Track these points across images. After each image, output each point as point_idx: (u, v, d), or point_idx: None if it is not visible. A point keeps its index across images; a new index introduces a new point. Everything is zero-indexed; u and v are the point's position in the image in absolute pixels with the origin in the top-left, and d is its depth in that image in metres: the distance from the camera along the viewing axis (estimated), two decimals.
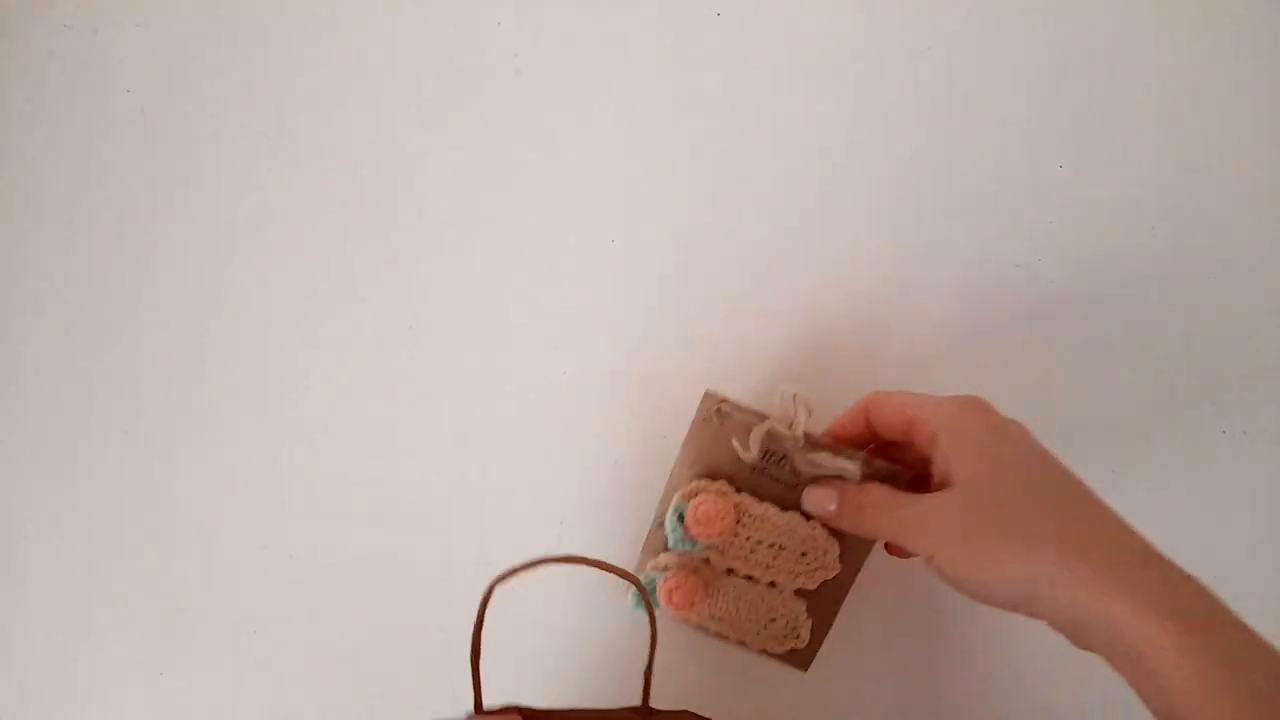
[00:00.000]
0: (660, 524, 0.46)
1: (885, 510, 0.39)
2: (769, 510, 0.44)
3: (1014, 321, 0.48)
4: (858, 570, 0.46)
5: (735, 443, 0.42)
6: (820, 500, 0.42)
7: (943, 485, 0.38)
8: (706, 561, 0.46)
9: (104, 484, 0.50)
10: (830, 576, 0.45)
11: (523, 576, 0.38)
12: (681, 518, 0.44)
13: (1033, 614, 0.35)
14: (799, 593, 0.46)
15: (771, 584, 0.45)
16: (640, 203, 0.49)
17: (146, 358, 0.50)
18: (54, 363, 0.51)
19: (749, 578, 0.46)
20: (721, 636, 0.47)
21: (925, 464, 0.41)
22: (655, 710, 0.41)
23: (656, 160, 0.49)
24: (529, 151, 0.49)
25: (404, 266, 0.50)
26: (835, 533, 0.44)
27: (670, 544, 0.45)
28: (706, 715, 0.41)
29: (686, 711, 0.41)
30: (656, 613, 0.41)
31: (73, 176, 0.51)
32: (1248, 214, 0.48)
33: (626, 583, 0.41)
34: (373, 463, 0.50)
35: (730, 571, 0.46)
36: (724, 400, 0.42)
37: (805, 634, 0.46)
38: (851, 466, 0.41)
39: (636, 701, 0.40)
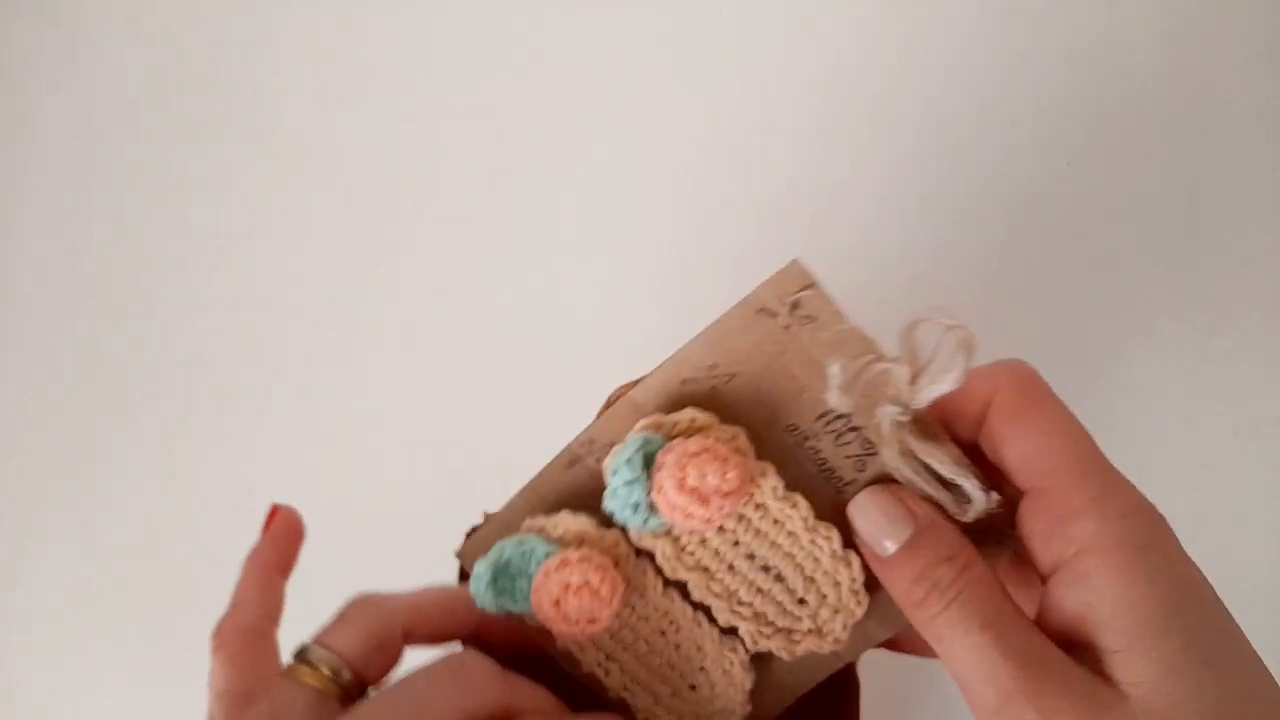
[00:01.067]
0: (593, 441, 0.26)
1: (993, 611, 0.22)
2: (796, 512, 0.25)
3: (1021, 317, 0.47)
4: (852, 660, 0.28)
5: (830, 379, 0.24)
6: (885, 516, 0.24)
7: (1072, 641, 0.22)
8: (639, 555, 0.26)
9: (104, 484, 0.50)
10: (824, 651, 0.26)
11: None
12: (649, 463, 0.24)
13: None
14: (756, 659, 0.26)
15: (728, 630, 0.26)
16: (640, 200, 0.48)
17: (145, 356, 0.50)
18: (52, 361, 0.50)
19: (698, 606, 0.26)
20: (598, 674, 0.26)
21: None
22: None
23: (656, 158, 0.49)
24: (528, 150, 0.49)
25: (404, 267, 0.49)
26: (869, 583, 0.25)
27: (607, 504, 0.25)
28: None
29: None
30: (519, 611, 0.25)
31: (66, 173, 0.50)
32: (1256, 212, 0.47)
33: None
34: (374, 463, 0.49)
35: (676, 586, 0.26)
36: (817, 289, 0.26)
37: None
38: (977, 497, 0.23)
39: None
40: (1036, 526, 0.22)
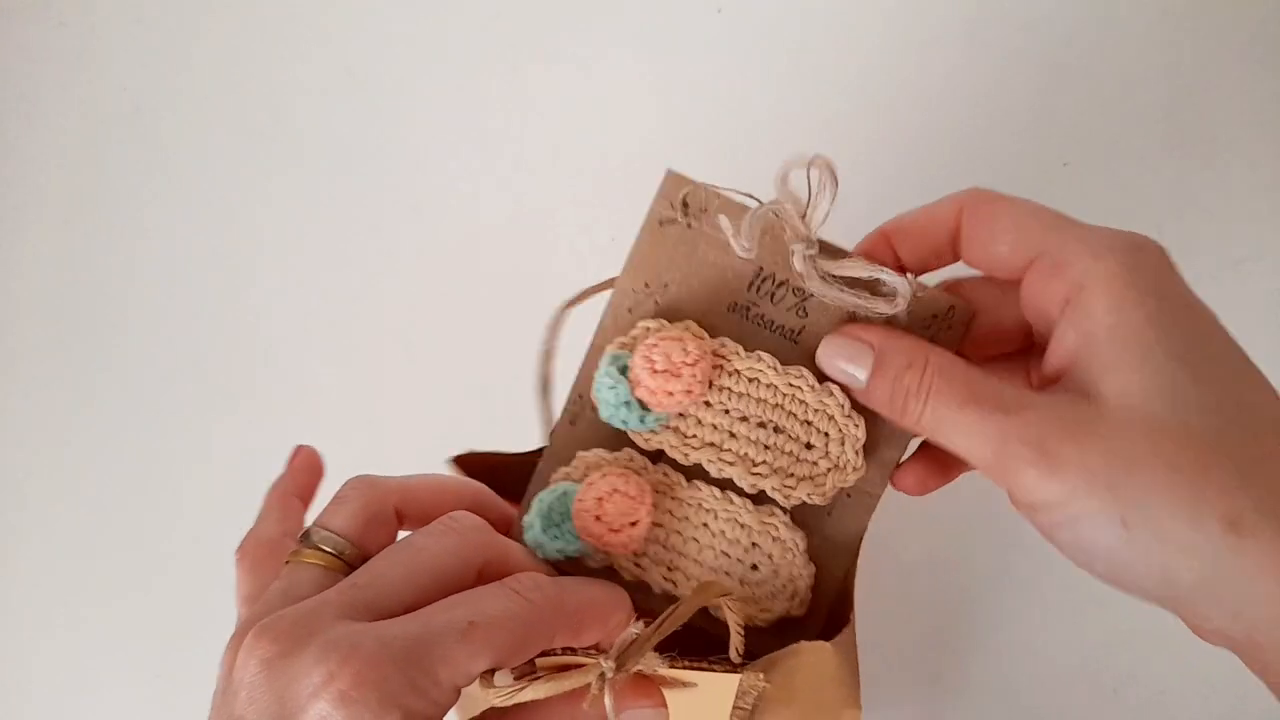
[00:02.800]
0: (581, 396, 0.29)
1: (962, 388, 0.23)
2: (762, 364, 0.27)
3: None
4: (887, 480, 0.29)
5: (724, 231, 0.26)
6: (845, 355, 0.26)
7: (1066, 380, 0.23)
8: (659, 458, 0.28)
9: (103, 484, 0.50)
10: (850, 483, 0.27)
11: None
12: (624, 371, 0.27)
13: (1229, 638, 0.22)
14: (797, 516, 0.28)
15: (759, 497, 0.28)
16: (640, 199, 0.49)
17: (145, 355, 0.50)
18: (52, 360, 0.50)
19: (723, 485, 0.28)
20: (668, 588, 0.28)
21: (1024, 333, 0.27)
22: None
23: (654, 159, 0.49)
24: (526, 151, 0.49)
25: (404, 268, 0.49)
26: (862, 410, 0.27)
27: (604, 415, 0.27)
28: None
29: None
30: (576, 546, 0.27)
31: (68, 172, 0.50)
32: (1254, 212, 0.47)
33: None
34: (372, 463, 0.49)
35: (696, 476, 0.28)
36: (694, 185, 0.28)
37: (804, 589, 0.28)
38: (898, 285, 0.25)
39: None
40: (1041, 288, 0.24)
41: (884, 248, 0.27)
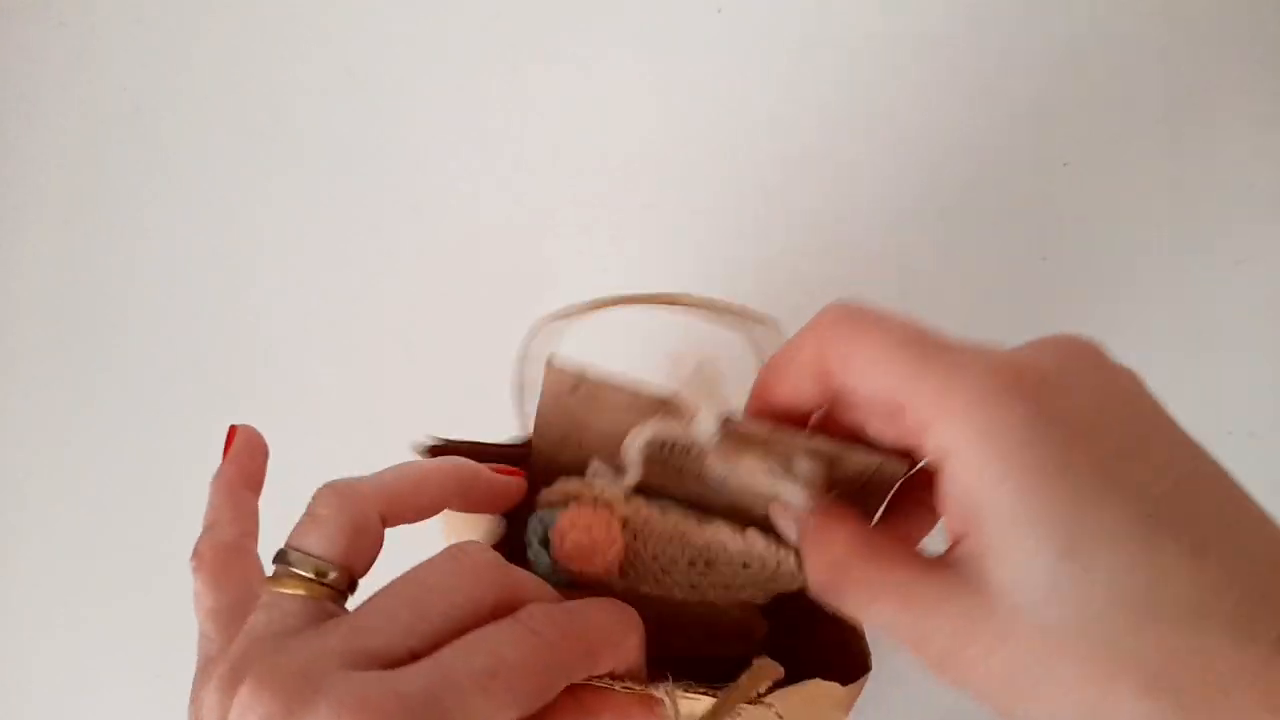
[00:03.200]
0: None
1: (874, 583, 0.21)
2: (679, 523, 0.27)
3: (1019, 316, 0.48)
4: None
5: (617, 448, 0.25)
6: (784, 526, 0.25)
7: (959, 552, 0.20)
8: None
9: (103, 485, 0.50)
10: (795, 586, 0.28)
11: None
12: (546, 542, 0.27)
13: None
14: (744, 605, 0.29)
15: (706, 602, 0.29)
16: (640, 199, 0.49)
17: (145, 355, 0.50)
18: (52, 360, 0.50)
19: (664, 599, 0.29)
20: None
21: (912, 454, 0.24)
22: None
23: (654, 159, 0.49)
24: (526, 151, 0.49)
25: (404, 268, 0.49)
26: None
27: (539, 572, 0.28)
28: None
29: None
30: None
31: (68, 172, 0.50)
32: (1253, 212, 0.47)
33: None
34: (372, 463, 0.49)
35: (641, 593, 0.29)
36: (583, 375, 0.26)
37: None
38: (793, 490, 0.24)
39: None
40: (912, 444, 0.21)
41: (762, 405, 0.24)
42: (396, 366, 0.49)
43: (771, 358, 0.24)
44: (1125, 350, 0.50)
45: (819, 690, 0.27)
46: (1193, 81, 0.47)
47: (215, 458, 0.51)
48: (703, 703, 0.25)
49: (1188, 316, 0.47)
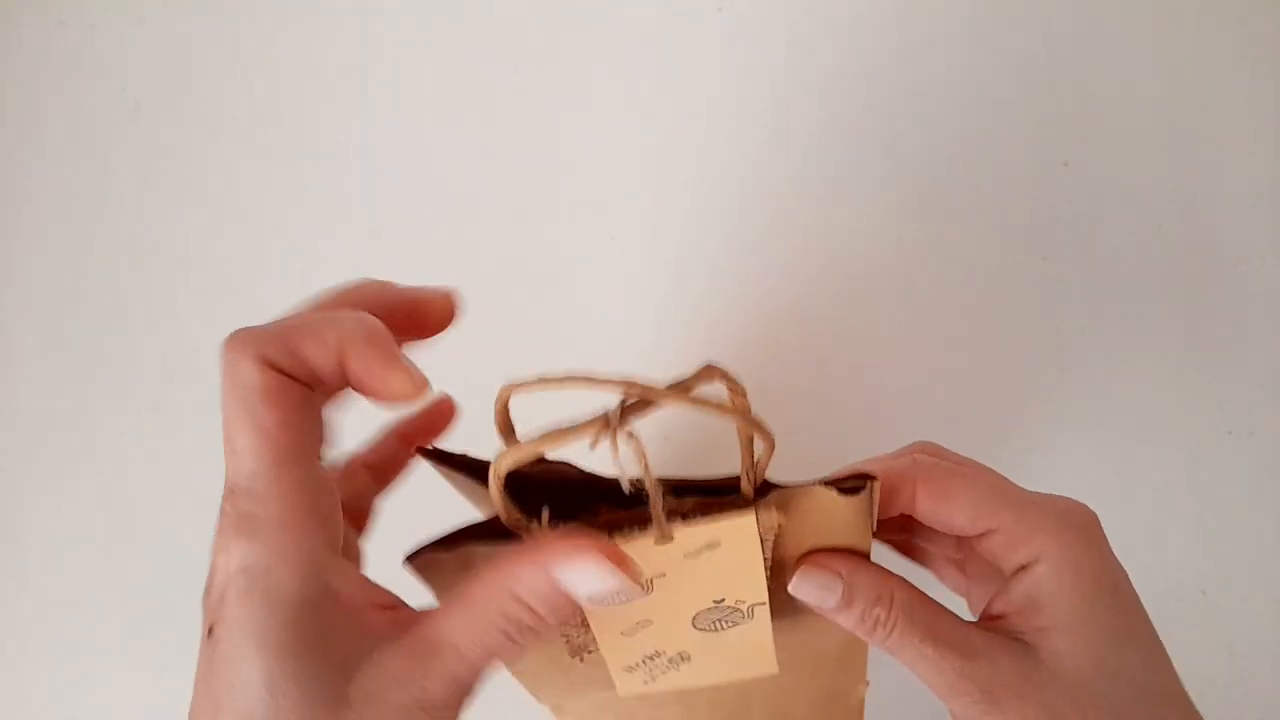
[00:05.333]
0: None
1: (924, 627, 0.27)
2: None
3: (1019, 317, 0.48)
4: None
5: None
6: (816, 584, 0.27)
7: (1009, 623, 0.27)
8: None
9: (103, 485, 0.50)
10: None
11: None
12: None
13: None
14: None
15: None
16: (639, 198, 0.49)
17: (145, 355, 0.50)
18: (52, 361, 0.50)
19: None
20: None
21: (947, 563, 0.32)
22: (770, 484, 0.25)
23: (654, 158, 0.49)
24: (527, 150, 0.49)
25: (402, 269, 0.49)
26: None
27: None
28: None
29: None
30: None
31: (68, 173, 0.50)
32: (1253, 212, 0.47)
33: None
34: None
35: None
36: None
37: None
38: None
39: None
40: (997, 554, 0.28)
41: None
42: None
43: (855, 467, 0.28)
44: (1125, 350, 0.50)
45: (828, 503, 0.26)
46: (1193, 81, 0.47)
47: (215, 457, 0.51)
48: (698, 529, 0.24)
49: (1188, 316, 0.47)
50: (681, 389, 0.22)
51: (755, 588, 0.27)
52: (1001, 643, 0.27)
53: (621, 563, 0.22)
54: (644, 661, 0.29)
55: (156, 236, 0.50)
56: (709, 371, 0.23)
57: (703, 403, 0.23)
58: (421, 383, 0.25)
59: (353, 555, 0.30)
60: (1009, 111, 0.47)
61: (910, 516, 0.30)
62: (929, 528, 0.30)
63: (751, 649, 0.30)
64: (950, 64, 0.47)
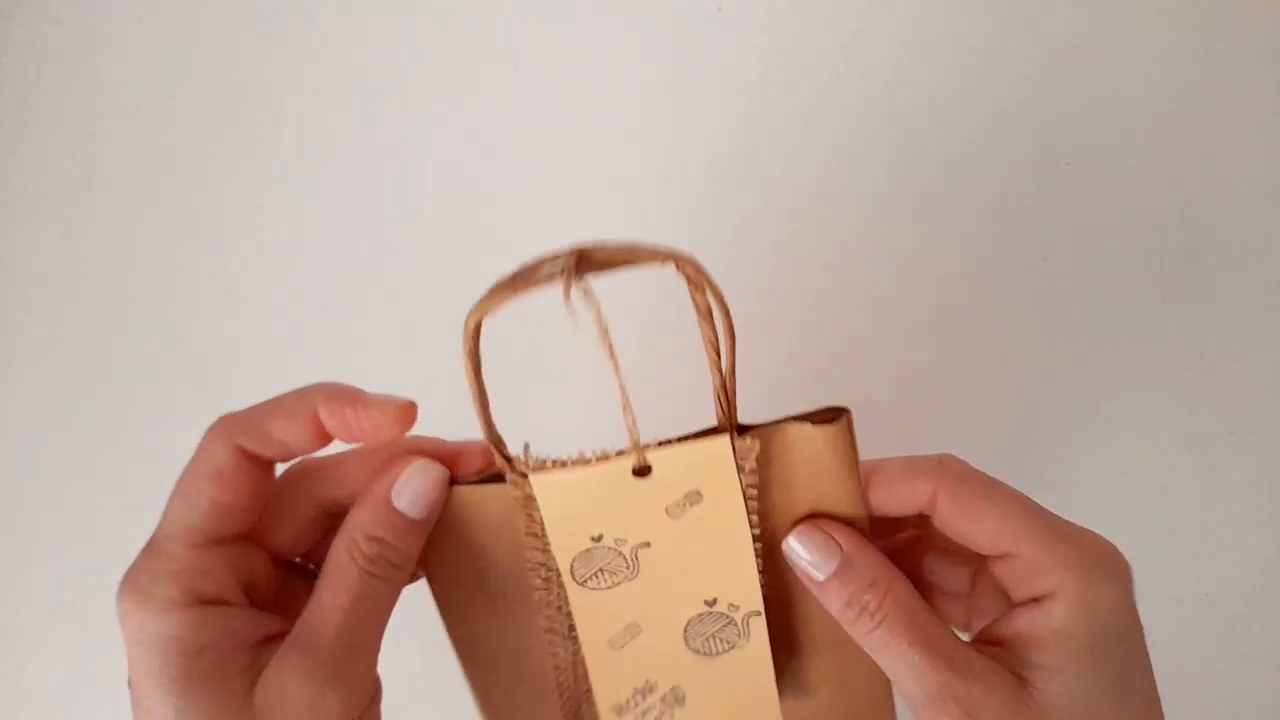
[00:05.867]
0: None
1: (916, 628, 0.25)
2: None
3: (1019, 317, 0.47)
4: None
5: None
6: (812, 548, 0.26)
7: (1005, 652, 0.26)
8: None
9: (103, 485, 0.50)
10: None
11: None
12: None
13: None
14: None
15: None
16: (639, 198, 0.48)
17: (144, 356, 0.50)
18: (51, 361, 0.50)
19: None
20: None
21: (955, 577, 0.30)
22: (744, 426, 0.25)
23: (653, 158, 0.49)
24: (527, 150, 0.49)
25: (404, 270, 0.49)
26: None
27: None
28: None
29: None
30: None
31: (68, 174, 0.50)
32: (1254, 213, 0.47)
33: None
34: None
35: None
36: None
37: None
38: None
39: None
40: (1011, 580, 0.26)
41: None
42: (397, 366, 0.49)
43: (881, 466, 0.27)
44: (1126, 350, 0.50)
45: (798, 441, 0.25)
46: (1193, 81, 0.47)
47: None
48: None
49: (1189, 316, 0.47)
50: (635, 250, 0.24)
51: (745, 562, 0.26)
52: (996, 669, 0.25)
53: (456, 462, 0.26)
54: (634, 698, 0.28)
55: (156, 237, 0.50)
56: (667, 255, 0.24)
57: (651, 253, 0.24)
58: (404, 404, 0.29)
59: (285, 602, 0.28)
60: (1010, 111, 0.47)
61: (922, 538, 0.29)
62: (939, 555, 0.29)
63: (751, 687, 0.28)
64: (951, 64, 0.47)
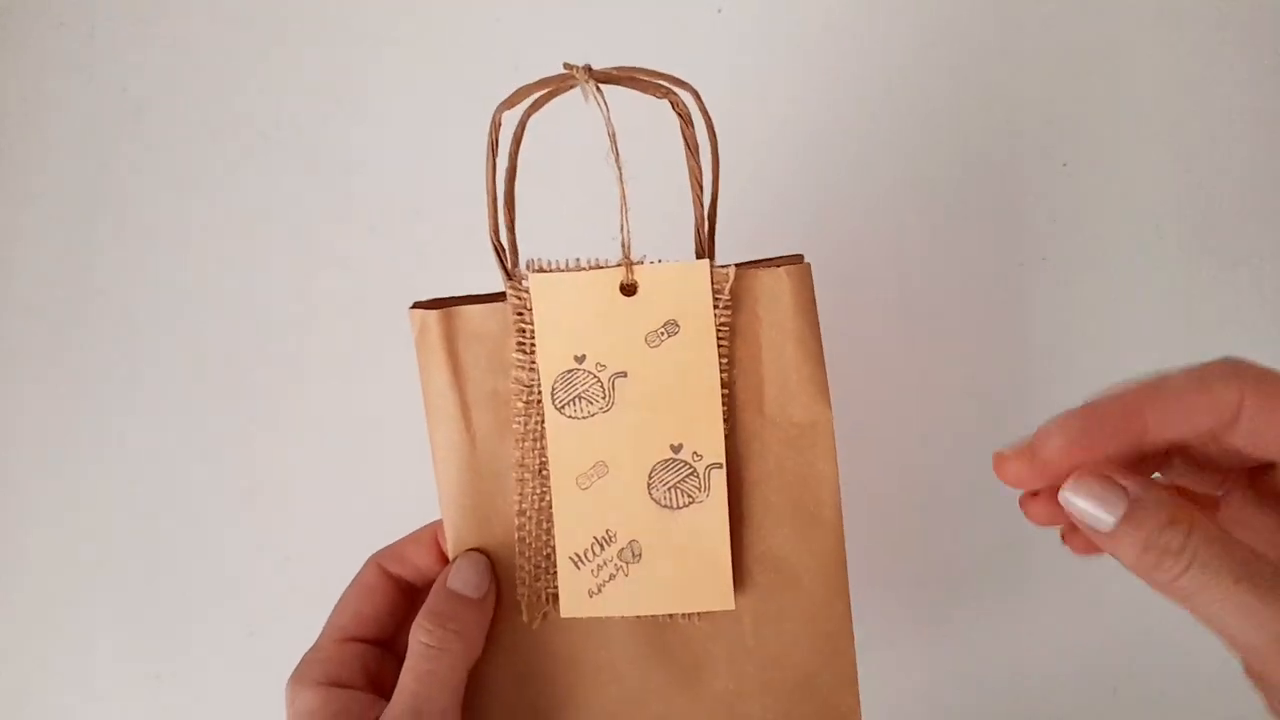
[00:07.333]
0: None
1: (1237, 563, 0.21)
2: None
3: (1019, 317, 0.48)
4: None
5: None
6: (1092, 496, 0.23)
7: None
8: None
9: (103, 485, 0.50)
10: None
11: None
12: None
13: None
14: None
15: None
16: (639, 198, 0.49)
17: (144, 357, 0.50)
18: (52, 362, 0.50)
19: None
20: None
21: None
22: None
23: (654, 158, 0.49)
24: (526, 150, 0.49)
25: (402, 268, 0.49)
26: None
27: None
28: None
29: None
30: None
31: (69, 175, 0.50)
32: (1254, 212, 0.47)
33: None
34: (371, 462, 0.49)
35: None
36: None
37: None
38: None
39: None
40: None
41: (1135, 420, 0.24)
42: (396, 366, 0.49)
43: (1164, 382, 0.24)
44: (1126, 351, 0.50)
45: (763, 280, 0.28)
46: (1193, 82, 0.47)
47: (214, 457, 0.51)
48: None
49: (1188, 317, 0.47)
50: (636, 73, 0.27)
51: (711, 409, 0.27)
52: None
53: None
54: (593, 548, 0.29)
55: (157, 236, 0.50)
56: (667, 91, 0.28)
57: (652, 81, 0.27)
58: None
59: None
60: (1008, 112, 0.47)
61: (1184, 452, 0.25)
62: (1206, 467, 0.24)
63: (707, 549, 0.28)
64: (950, 65, 0.47)
